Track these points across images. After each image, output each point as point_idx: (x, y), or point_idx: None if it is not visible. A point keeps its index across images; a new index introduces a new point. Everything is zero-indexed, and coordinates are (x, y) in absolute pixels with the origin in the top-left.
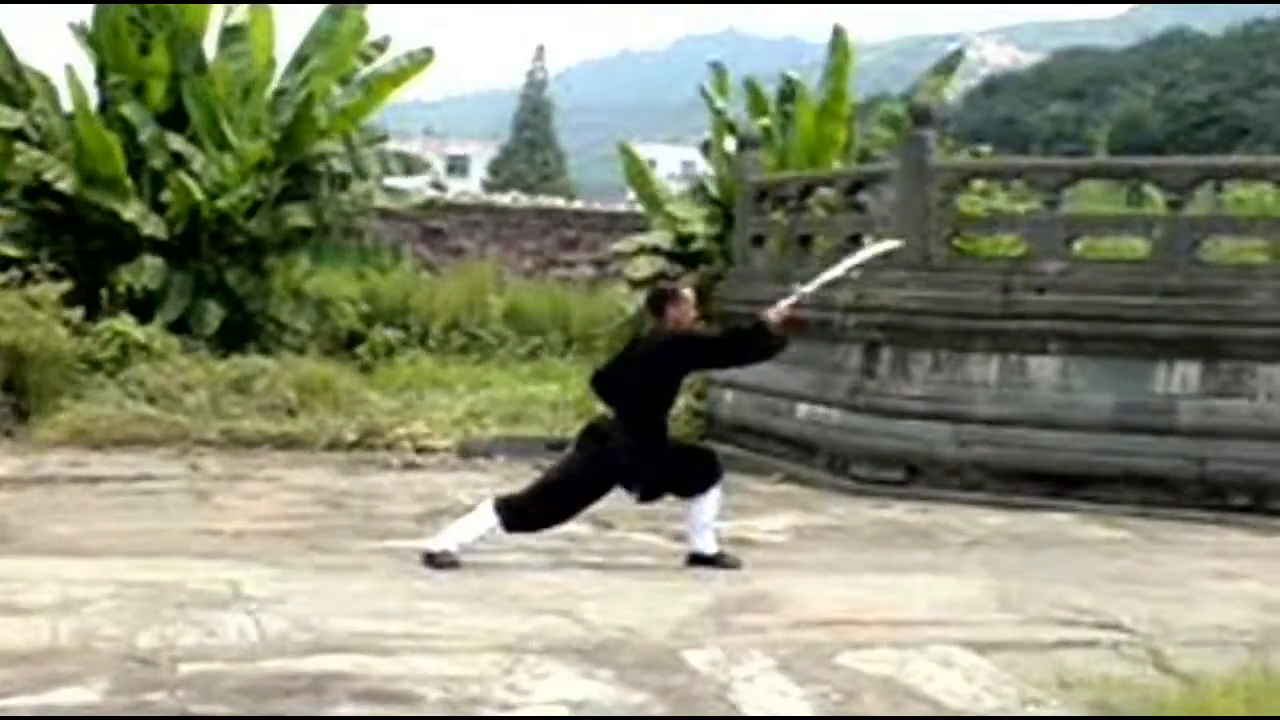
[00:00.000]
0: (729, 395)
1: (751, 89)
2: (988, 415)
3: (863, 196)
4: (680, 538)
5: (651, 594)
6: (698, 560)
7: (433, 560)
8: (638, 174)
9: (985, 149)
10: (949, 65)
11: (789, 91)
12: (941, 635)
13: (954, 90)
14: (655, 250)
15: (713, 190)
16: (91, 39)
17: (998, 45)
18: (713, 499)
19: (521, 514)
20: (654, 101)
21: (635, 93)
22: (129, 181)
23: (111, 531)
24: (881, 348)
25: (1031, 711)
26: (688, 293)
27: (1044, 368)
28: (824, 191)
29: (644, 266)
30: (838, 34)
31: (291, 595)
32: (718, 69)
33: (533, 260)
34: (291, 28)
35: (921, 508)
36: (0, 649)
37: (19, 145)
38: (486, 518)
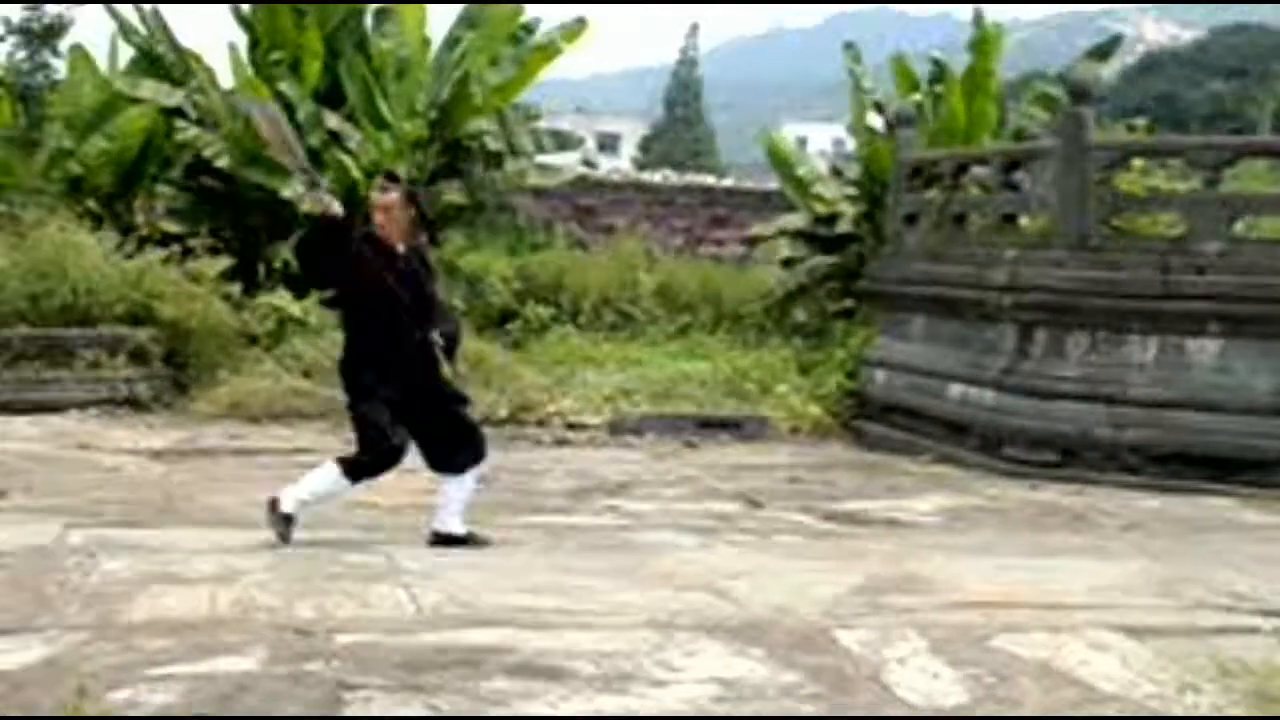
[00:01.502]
0: (880, 375)
1: (901, 67)
2: (1144, 397)
3: (1018, 175)
4: (831, 517)
5: (802, 573)
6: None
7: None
8: (780, 158)
9: (1141, 123)
10: (1105, 49)
11: (937, 72)
12: (1097, 619)
13: (1111, 68)
14: (797, 233)
15: (857, 169)
16: (246, 18)
17: (1155, 22)
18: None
19: None
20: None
21: (787, 70)
22: None
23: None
24: (1037, 328)
25: (1190, 699)
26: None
27: (1203, 350)
28: (978, 170)
29: (785, 248)
30: (979, 13)
31: (445, 569)
32: (852, 49)
33: (683, 238)
34: (441, 8)
35: (1075, 490)
36: (162, 617)
37: (179, 123)
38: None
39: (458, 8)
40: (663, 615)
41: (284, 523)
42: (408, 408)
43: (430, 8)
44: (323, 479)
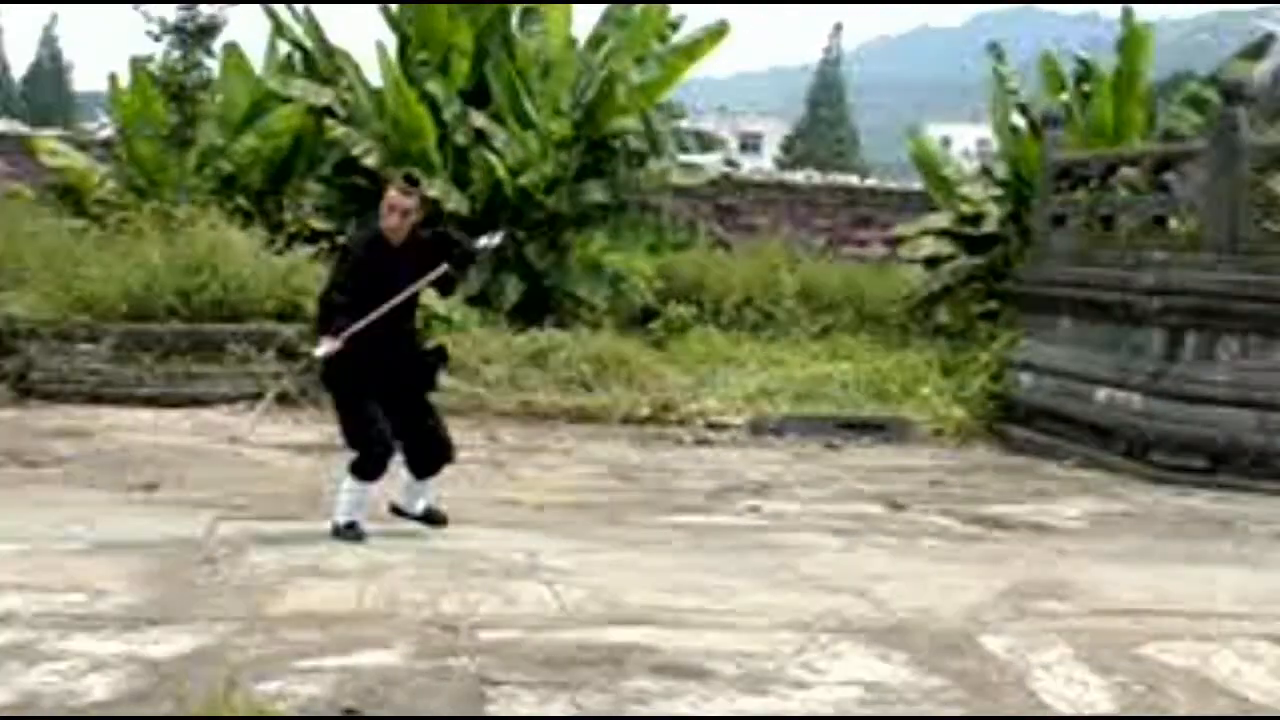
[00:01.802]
0: (1026, 378)
1: (1049, 66)
2: None
3: (1168, 177)
4: (976, 520)
5: (946, 576)
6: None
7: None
8: (925, 158)
9: None
10: (1258, 49)
11: (1084, 72)
12: (1248, 629)
13: (1263, 68)
14: (941, 233)
15: (1003, 170)
16: (395, 17)
17: None
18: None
19: None
20: (950, 78)
21: (931, 69)
22: (436, 157)
23: None
24: (1186, 332)
25: None
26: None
27: None
28: (1127, 172)
29: (929, 248)
30: (1128, 12)
31: (588, 567)
32: (996, 49)
33: (825, 238)
34: (587, 8)
35: (1224, 497)
36: (309, 610)
37: (328, 122)
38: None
39: (603, 6)
40: (805, 617)
41: (350, 531)
42: (391, 410)
43: (576, 7)
44: (348, 492)
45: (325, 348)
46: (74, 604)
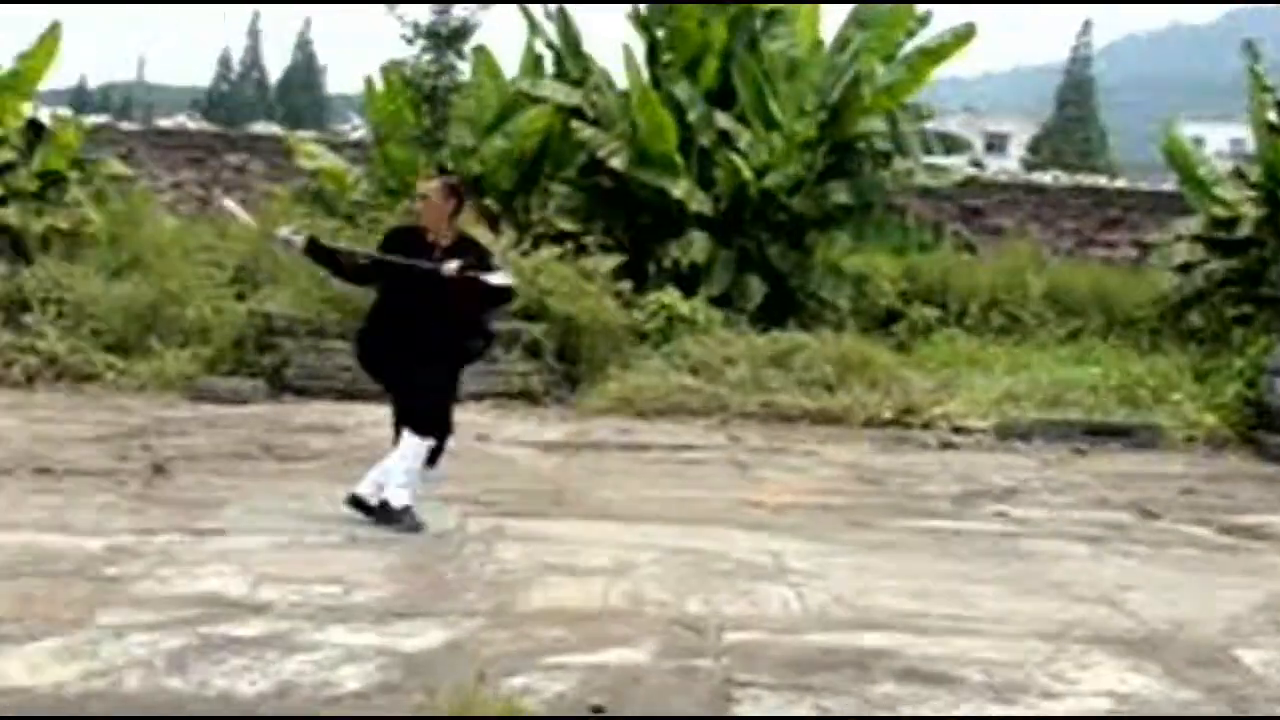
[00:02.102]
0: None
1: None
2: None
3: None
4: (1230, 530)
5: (1200, 587)
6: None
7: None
8: (1180, 158)
9: None
10: None
11: None
12: None
13: None
14: (1195, 237)
15: (1258, 171)
16: (644, 20)
17: None
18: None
19: None
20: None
21: (1183, 67)
22: (680, 159)
23: (657, 498)
24: None
25: None
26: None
27: None
28: None
29: (1182, 252)
30: None
31: (832, 570)
32: (1251, 47)
33: (1072, 240)
34: (832, 11)
35: None
36: (556, 607)
37: (575, 123)
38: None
39: (850, 7)
40: (1053, 626)
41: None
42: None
43: (823, 8)
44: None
45: (288, 232)
46: (328, 596)
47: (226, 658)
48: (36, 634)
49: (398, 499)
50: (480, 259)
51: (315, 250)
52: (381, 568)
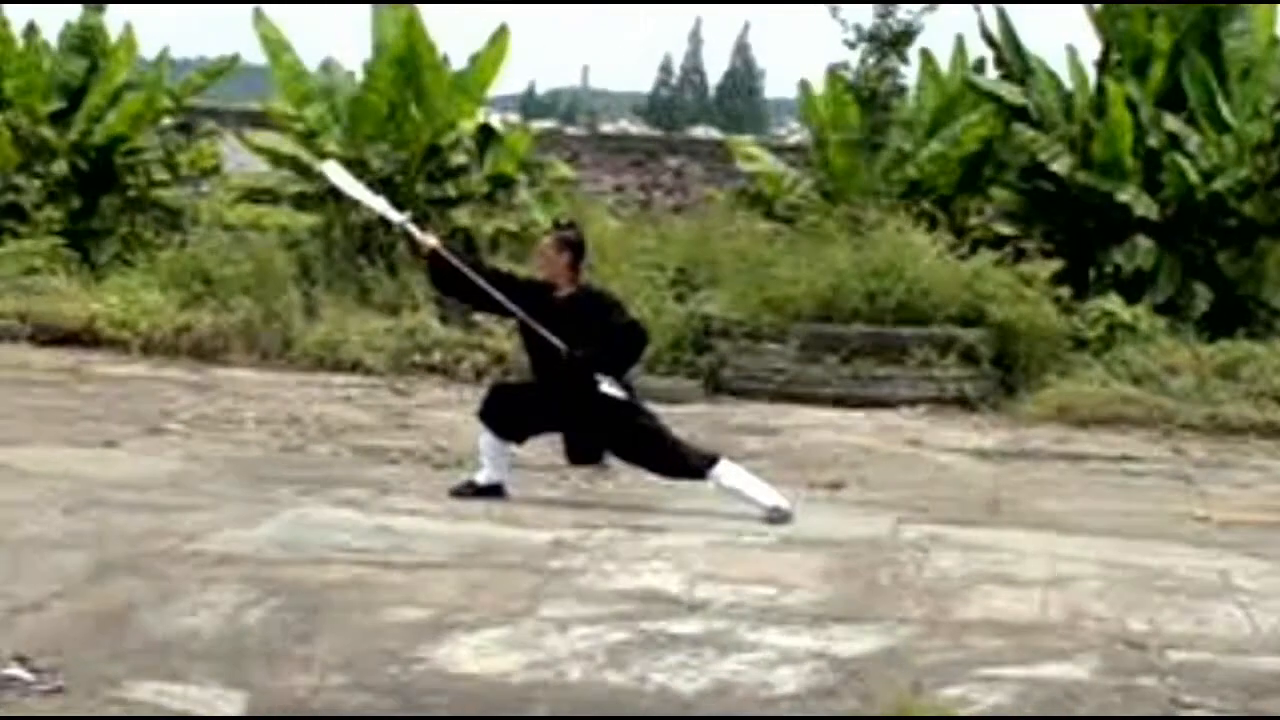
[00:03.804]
0: None
1: None
2: None
3: None
4: None
5: None
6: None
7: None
8: None
9: None
10: None
11: None
12: None
13: None
14: None
15: None
16: (1099, 19)
17: None
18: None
19: None
20: None
21: None
22: (1131, 162)
23: (1095, 510)
24: None
25: None
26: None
27: None
28: None
29: None
30: None
31: None
32: None
33: None
34: None
35: None
36: (992, 618)
37: (1016, 126)
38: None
39: None
40: None
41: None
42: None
43: None
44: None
45: (419, 233)
46: (763, 597)
47: (665, 654)
48: (484, 623)
49: (766, 499)
50: (600, 312)
51: (434, 258)
52: (815, 570)
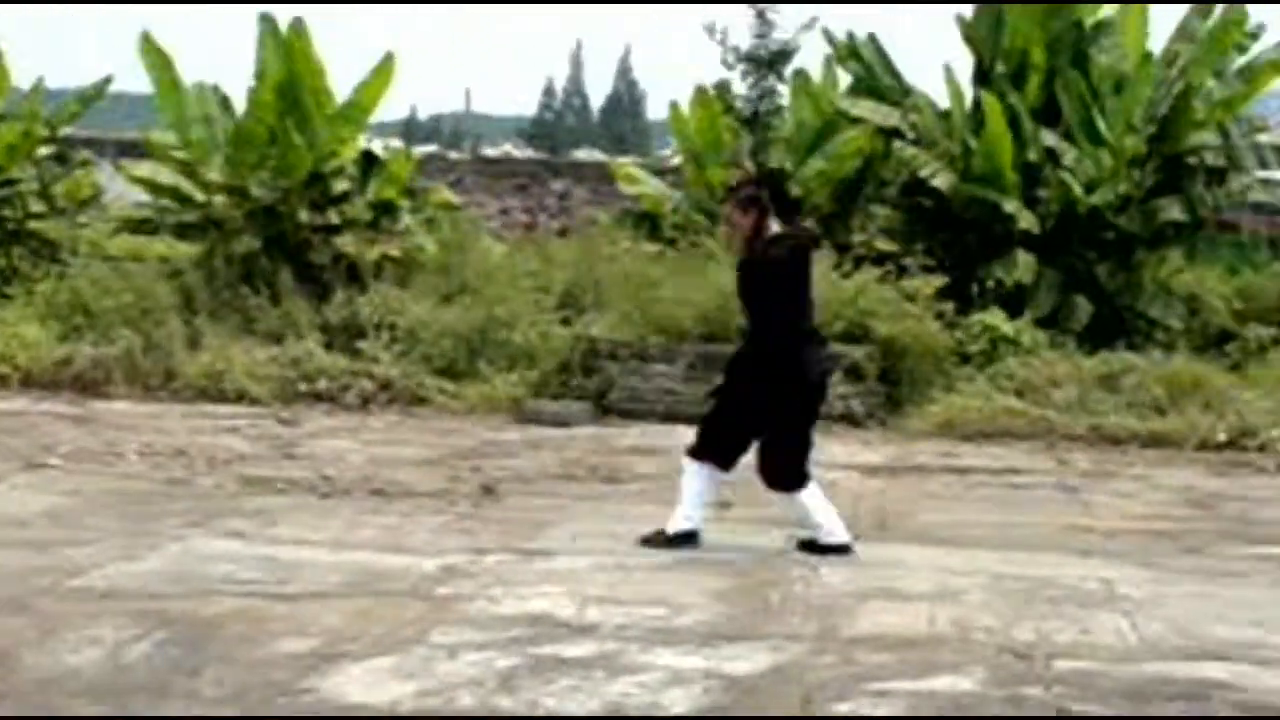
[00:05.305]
0: None
1: None
2: None
3: None
4: None
5: None
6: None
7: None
8: None
9: None
10: None
11: None
12: None
13: None
14: None
15: None
16: (971, 35)
17: None
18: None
19: None
20: None
21: None
22: (1013, 175)
23: (981, 522)
24: None
25: None
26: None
27: None
28: None
29: None
30: None
31: (1166, 598)
32: None
33: None
34: (1158, 24)
35: None
36: (882, 634)
37: (896, 144)
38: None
39: (1177, 20)
40: None
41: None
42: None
43: (1150, 20)
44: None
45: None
46: (654, 618)
47: (556, 678)
48: (373, 652)
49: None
50: (768, 271)
51: None
52: (706, 589)
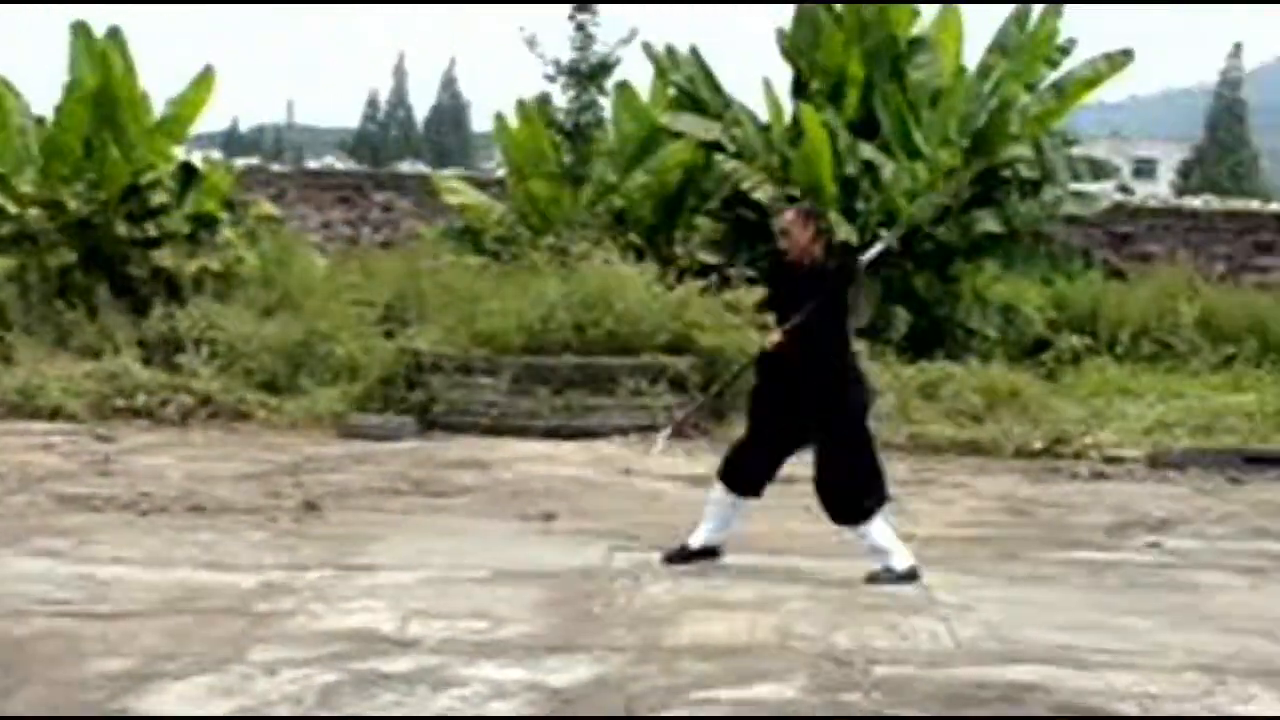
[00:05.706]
0: None
1: None
2: None
3: None
4: None
5: None
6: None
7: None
8: None
9: None
10: None
11: None
12: None
13: None
14: None
15: None
16: (789, 48)
17: None
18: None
19: None
20: None
21: None
22: (832, 188)
23: (802, 533)
24: None
25: None
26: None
27: None
28: None
29: None
30: None
31: (983, 603)
32: None
33: (1224, 265)
34: (973, 39)
35: None
36: (704, 643)
37: (718, 157)
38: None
39: (988, 36)
40: (1211, 658)
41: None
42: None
43: (965, 34)
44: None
45: (772, 337)
46: (476, 631)
47: (377, 693)
48: (191, 670)
49: (899, 563)
50: (825, 284)
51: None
52: (528, 602)
